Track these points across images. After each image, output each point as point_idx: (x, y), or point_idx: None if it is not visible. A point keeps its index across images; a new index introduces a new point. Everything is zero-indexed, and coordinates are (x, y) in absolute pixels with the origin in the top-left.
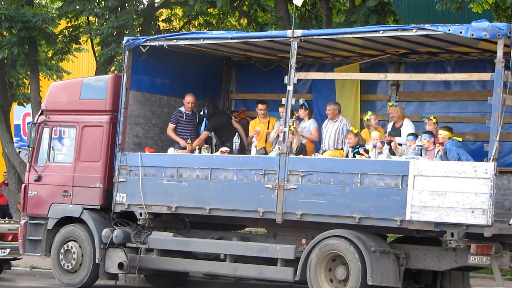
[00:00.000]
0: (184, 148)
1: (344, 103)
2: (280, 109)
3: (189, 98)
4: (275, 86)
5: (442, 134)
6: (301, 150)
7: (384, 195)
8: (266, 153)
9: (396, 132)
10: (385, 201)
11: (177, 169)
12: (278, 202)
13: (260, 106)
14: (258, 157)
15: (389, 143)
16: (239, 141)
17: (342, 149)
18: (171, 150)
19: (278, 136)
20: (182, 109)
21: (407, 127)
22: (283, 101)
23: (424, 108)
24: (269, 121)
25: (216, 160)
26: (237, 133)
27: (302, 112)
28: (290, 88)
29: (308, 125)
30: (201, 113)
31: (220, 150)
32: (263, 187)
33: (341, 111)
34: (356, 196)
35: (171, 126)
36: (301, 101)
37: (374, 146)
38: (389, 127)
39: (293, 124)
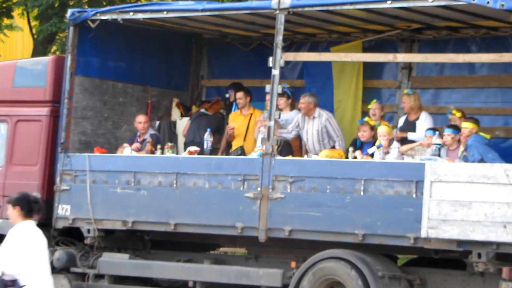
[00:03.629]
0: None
1: (343, 91)
2: (267, 98)
3: (140, 118)
4: (257, 70)
5: (466, 127)
6: (284, 148)
7: (394, 206)
8: (244, 153)
9: (410, 127)
10: (395, 214)
11: (134, 174)
12: (261, 215)
13: (238, 94)
14: (235, 158)
15: (400, 140)
16: (211, 139)
17: (334, 147)
18: (127, 150)
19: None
20: (137, 133)
21: (425, 121)
22: (267, 88)
23: (442, 97)
24: (251, 114)
25: (183, 162)
26: (209, 129)
27: (282, 102)
28: (275, 72)
29: (291, 118)
30: (226, 96)
31: (187, 150)
32: (242, 197)
33: (333, 100)
34: (359, 208)
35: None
36: (280, 89)
37: (379, 147)
38: (401, 121)
39: (279, 117)
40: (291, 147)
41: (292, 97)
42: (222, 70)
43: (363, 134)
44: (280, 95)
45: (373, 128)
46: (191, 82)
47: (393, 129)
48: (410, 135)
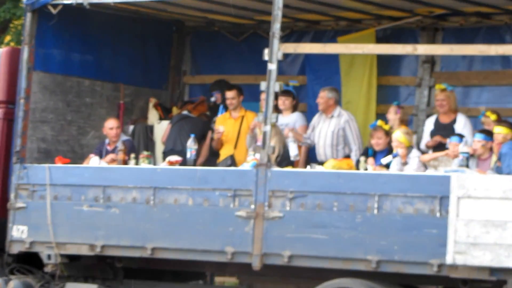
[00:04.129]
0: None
1: (353, 89)
2: (263, 97)
3: (111, 122)
4: (251, 65)
5: (500, 132)
6: (286, 158)
7: (414, 226)
8: (235, 164)
9: (445, 131)
10: (416, 236)
11: (103, 189)
12: (255, 238)
13: (229, 94)
14: (224, 170)
15: (435, 146)
16: (196, 147)
17: (349, 156)
18: (94, 160)
19: (255, 138)
20: (107, 140)
21: (465, 125)
22: (263, 86)
23: (471, 97)
24: (243, 116)
25: (161, 175)
26: (192, 135)
27: (284, 102)
28: (272, 67)
29: (293, 122)
30: (212, 100)
31: (167, 159)
32: (232, 216)
33: (341, 101)
34: (372, 229)
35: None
36: (277, 86)
37: (395, 156)
38: (429, 124)
39: (276, 120)
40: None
41: (296, 96)
42: (208, 65)
43: (378, 142)
44: (285, 94)
45: (388, 134)
46: (171, 79)
47: (413, 134)
48: (461, 147)
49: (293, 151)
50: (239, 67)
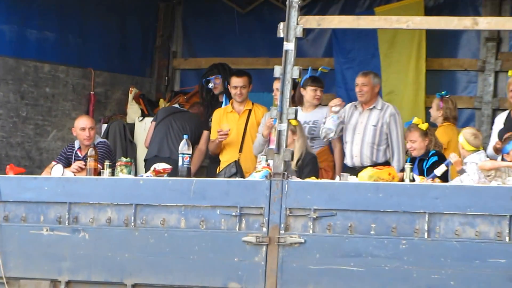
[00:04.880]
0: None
1: (396, 75)
2: (276, 86)
3: (83, 121)
4: (260, 44)
5: None
6: (308, 163)
7: (476, 255)
8: (242, 173)
9: None
10: (478, 268)
11: (69, 207)
12: (268, 271)
13: (236, 81)
14: (227, 182)
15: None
16: (190, 152)
17: (388, 163)
18: (57, 170)
19: (268, 139)
20: (76, 143)
21: None
22: (277, 71)
23: None
24: (250, 110)
25: (145, 188)
26: (185, 137)
27: (316, 94)
28: (289, 46)
29: (320, 118)
30: (210, 86)
31: (152, 168)
32: (238, 242)
33: (382, 89)
34: (422, 258)
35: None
36: (297, 73)
37: (447, 165)
38: (499, 122)
39: (295, 118)
40: (317, 163)
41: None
42: (205, 44)
43: (412, 146)
44: (317, 82)
45: (426, 135)
46: (157, 63)
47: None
48: None
49: (330, 125)
50: (245, 47)
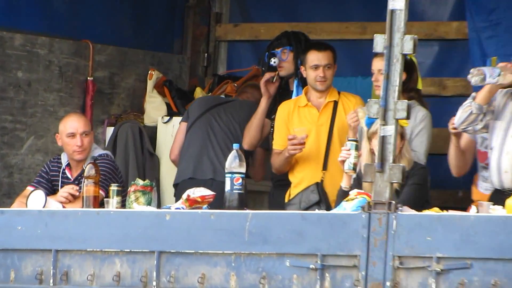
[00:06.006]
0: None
1: None
2: (377, 67)
3: (72, 123)
4: (353, 2)
5: None
6: (413, 175)
7: None
8: (327, 201)
9: None
10: None
11: (55, 257)
12: None
13: (314, 57)
14: (303, 215)
15: None
16: (244, 169)
17: None
18: (36, 198)
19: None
20: (64, 158)
21: None
22: (379, 44)
23: None
24: (336, 102)
25: (174, 227)
26: (236, 147)
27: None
28: (398, 5)
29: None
30: (273, 63)
31: (185, 195)
32: None
33: None
34: None
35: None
36: (411, 46)
37: None
38: None
39: (407, 117)
40: (427, 177)
41: None
42: (266, 2)
43: None
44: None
45: None
46: (191, 32)
47: None
48: None
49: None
50: (329, 8)
